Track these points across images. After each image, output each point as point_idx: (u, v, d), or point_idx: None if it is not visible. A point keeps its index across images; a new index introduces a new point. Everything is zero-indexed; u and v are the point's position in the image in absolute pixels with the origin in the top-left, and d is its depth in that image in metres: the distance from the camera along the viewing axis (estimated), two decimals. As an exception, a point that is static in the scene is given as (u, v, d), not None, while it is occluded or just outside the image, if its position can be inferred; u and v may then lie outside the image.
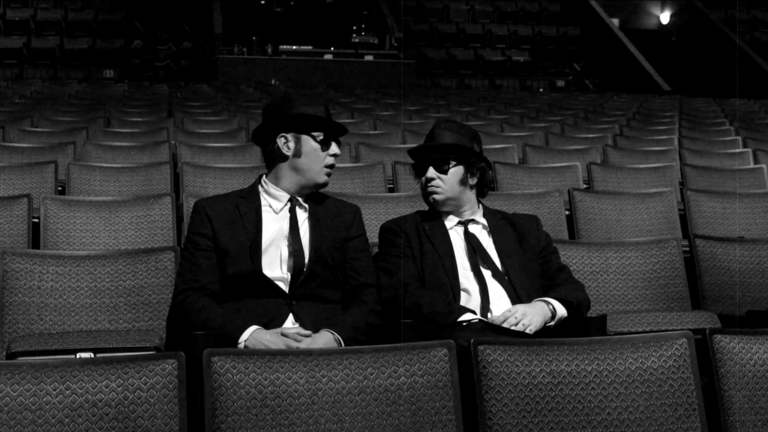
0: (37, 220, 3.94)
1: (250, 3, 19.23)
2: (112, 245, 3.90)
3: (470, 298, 2.93)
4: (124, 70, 17.09)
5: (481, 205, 3.19)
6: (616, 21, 20.94)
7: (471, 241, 3.04)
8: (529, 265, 3.04)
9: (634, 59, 18.88)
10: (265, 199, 2.98)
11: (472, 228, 3.09)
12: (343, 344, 2.71)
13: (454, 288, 2.92)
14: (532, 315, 2.80)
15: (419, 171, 3.15)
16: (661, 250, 3.73)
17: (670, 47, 20.61)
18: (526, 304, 2.87)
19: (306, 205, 2.99)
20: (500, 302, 2.92)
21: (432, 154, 3.11)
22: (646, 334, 2.28)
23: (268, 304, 2.81)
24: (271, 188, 2.99)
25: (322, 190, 3.08)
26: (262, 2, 19.46)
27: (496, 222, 3.12)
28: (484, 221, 3.12)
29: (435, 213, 3.14)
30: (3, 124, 7.10)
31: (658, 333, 2.29)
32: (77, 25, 17.87)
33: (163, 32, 17.91)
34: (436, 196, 3.10)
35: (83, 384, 1.92)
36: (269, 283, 2.83)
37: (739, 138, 8.25)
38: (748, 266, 3.79)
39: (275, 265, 2.85)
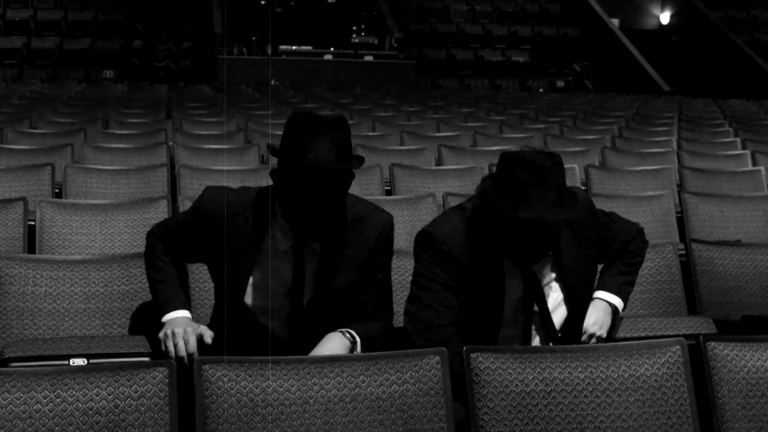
0: (33, 224, 3.93)
1: (249, 3, 19.22)
2: (108, 249, 3.88)
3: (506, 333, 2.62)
4: (123, 70, 17.12)
5: None
6: (616, 21, 20.95)
7: (529, 277, 2.60)
8: (588, 264, 2.71)
9: (634, 60, 18.89)
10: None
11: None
12: (359, 342, 2.45)
13: (494, 329, 2.60)
14: (601, 323, 2.69)
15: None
16: (657, 254, 3.70)
17: (670, 48, 20.62)
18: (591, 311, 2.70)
19: (315, 246, 2.55)
20: (534, 341, 2.67)
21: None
22: (639, 341, 2.27)
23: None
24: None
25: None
26: (262, 2, 19.45)
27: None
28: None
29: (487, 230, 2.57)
30: (1, 126, 7.07)
31: (651, 340, 2.29)
32: (77, 26, 17.92)
33: (162, 32, 17.92)
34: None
35: (74, 392, 1.91)
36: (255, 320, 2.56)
37: (738, 139, 8.22)
38: (745, 270, 3.77)
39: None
